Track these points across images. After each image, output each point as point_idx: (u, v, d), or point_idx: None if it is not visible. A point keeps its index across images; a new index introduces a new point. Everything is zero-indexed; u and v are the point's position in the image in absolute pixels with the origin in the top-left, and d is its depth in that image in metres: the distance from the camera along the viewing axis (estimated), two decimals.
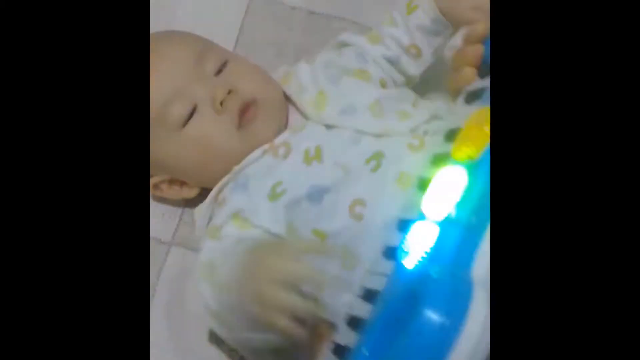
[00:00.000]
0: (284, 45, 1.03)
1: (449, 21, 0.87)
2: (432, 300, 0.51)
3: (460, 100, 0.62)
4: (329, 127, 0.85)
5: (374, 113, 0.85)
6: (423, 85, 0.95)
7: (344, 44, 0.92)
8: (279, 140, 0.86)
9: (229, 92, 0.84)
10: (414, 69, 0.91)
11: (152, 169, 0.88)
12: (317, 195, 0.81)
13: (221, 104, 0.84)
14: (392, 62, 0.91)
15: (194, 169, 0.88)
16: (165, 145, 0.85)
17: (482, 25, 0.61)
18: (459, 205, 0.54)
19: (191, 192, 0.90)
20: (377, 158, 0.82)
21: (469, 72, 0.62)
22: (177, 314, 0.87)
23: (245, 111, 0.85)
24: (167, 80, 0.84)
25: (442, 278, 0.52)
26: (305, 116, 0.87)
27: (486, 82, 0.59)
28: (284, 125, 0.88)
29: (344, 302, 0.79)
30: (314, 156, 0.84)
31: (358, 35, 0.91)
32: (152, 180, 0.90)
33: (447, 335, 0.50)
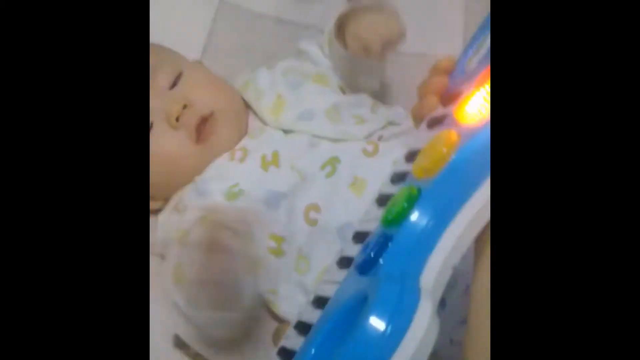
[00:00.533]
0: (252, 52, 1.03)
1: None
2: (377, 307, 0.52)
3: (423, 125, 0.64)
4: (286, 132, 0.86)
5: (331, 118, 0.86)
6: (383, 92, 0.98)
7: (303, 51, 0.93)
8: (237, 146, 0.86)
9: (185, 106, 0.83)
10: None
11: None
12: (274, 200, 0.82)
13: (177, 119, 0.83)
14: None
15: (156, 183, 0.85)
16: None
17: (448, 60, 0.64)
18: (414, 217, 0.55)
19: (156, 205, 0.90)
20: (332, 163, 0.83)
21: (433, 100, 0.64)
22: None
23: (203, 126, 0.84)
24: None
25: (390, 286, 0.53)
26: (263, 122, 0.88)
27: (449, 110, 0.61)
28: (244, 134, 0.88)
29: (295, 304, 0.82)
30: (270, 161, 0.84)
31: (317, 39, 0.92)
32: None
33: (389, 342, 0.51)
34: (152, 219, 0.91)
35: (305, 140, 0.85)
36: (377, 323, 0.51)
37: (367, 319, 0.51)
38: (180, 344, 0.86)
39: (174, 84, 0.86)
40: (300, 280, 0.82)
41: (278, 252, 0.82)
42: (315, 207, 0.81)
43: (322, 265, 0.81)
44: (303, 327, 0.60)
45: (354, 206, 0.80)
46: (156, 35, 0.94)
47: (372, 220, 0.61)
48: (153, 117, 0.84)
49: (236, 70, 1.00)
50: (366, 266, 0.57)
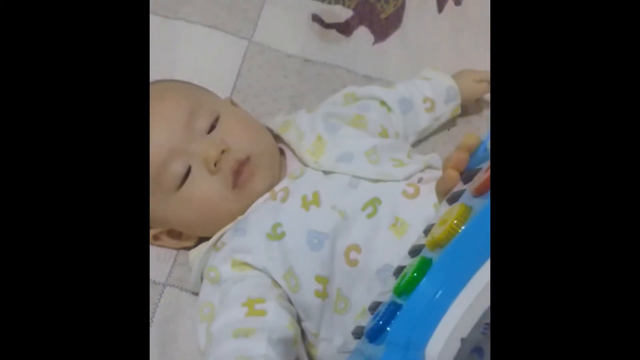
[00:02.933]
0: (279, 91, 1.05)
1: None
2: None
3: (444, 202, 0.67)
4: (326, 173, 0.87)
5: (370, 159, 0.87)
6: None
7: (353, 97, 0.95)
8: (278, 187, 0.87)
9: (222, 151, 0.84)
10: (422, 120, 0.97)
11: (151, 222, 0.89)
12: (317, 242, 0.82)
13: (215, 164, 0.84)
14: (406, 105, 0.96)
15: (192, 225, 0.90)
16: (163, 203, 0.86)
17: (473, 138, 0.67)
18: (424, 287, 0.58)
19: (189, 242, 0.92)
20: (373, 204, 0.84)
21: (453, 174, 0.66)
22: (171, 354, 0.88)
23: (240, 171, 0.86)
24: (162, 141, 0.84)
25: (393, 355, 0.55)
26: (303, 163, 0.89)
27: (467, 186, 0.63)
28: (278, 176, 0.90)
29: (333, 347, 0.83)
30: (311, 201, 0.85)
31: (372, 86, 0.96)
32: (152, 232, 0.91)
33: None
34: (183, 254, 0.94)
35: (346, 181, 0.86)
36: None
37: None
38: None
39: (211, 128, 0.87)
40: (338, 321, 0.83)
41: (324, 295, 0.83)
42: (356, 248, 0.82)
43: (361, 306, 0.82)
44: None
45: (394, 248, 0.81)
46: (186, 74, 0.97)
47: (388, 292, 0.63)
48: (191, 161, 0.85)
49: (264, 109, 1.03)
50: (374, 334, 0.59)
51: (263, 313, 0.80)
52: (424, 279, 0.57)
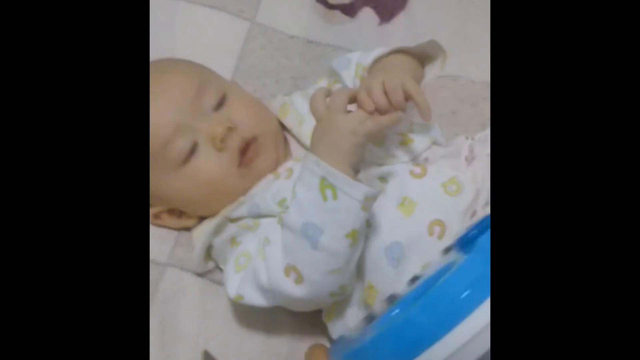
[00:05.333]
0: (281, 73, 1.04)
1: None
2: (457, 273, 0.57)
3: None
4: None
5: (375, 141, 0.86)
6: None
7: (335, 72, 0.93)
8: (282, 168, 0.88)
9: (229, 129, 0.85)
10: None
11: (152, 200, 0.89)
12: None
13: (222, 142, 0.84)
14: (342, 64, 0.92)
15: (195, 203, 0.89)
16: (166, 180, 0.86)
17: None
18: None
19: (190, 221, 0.92)
20: (379, 182, 0.84)
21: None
22: (172, 334, 0.88)
23: (246, 150, 0.86)
24: (168, 117, 0.84)
25: (476, 257, 0.57)
26: (305, 147, 0.88)
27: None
28: (283, 157, 0.90)
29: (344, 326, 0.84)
30: None
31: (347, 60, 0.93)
32: (153, 211, 0.91)
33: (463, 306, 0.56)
34: (184, 234, 0.94)
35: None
36: (453, 285, 0.56)
37: (445, 281, 0.55)
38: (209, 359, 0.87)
39: (218, 106, 0.87)
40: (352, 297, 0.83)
41: None
42: (366, 223, 0.81)
43: (367, 280, 0.82)
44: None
45: (402, 226, 0.81)
46: (187, 55, 0.96)
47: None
48: (197, 137, 0.85)
49: (266, 90, 1.02)
50: (464, 243, 0.58)
51: None
52: None
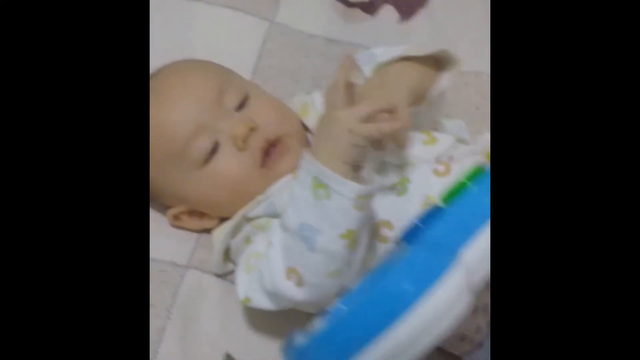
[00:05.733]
0: (301, 72, 1.04)
1: None
2: (401, 267, 0.53)
3: None
4: None
5: (397, 143, 0.84)
6: None
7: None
8: None
9: (251, 129, 0.84)
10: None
11: (172, 201, 0.89)
12: None
13: (243, 141, 0.84)
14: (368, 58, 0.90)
15: (215, 204, 0.88)
16: (186, 179, 0.86)
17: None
18: (472, 194, 0.57)
19: (211, 223, 0.91)
20: (402, 183, 0.82)
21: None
22: (193, 337, 0.87)
23: (270, 151, 0.85)
24: (189, 116, 0.84)
25: (418, 250, 0.53)
26: None
27: None
28: None
29: None
30: None
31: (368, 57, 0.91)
32: (172, 212, 0.90)
33: (406, 297, 0.52)
34: (204, 236, 0.93)
35: (372, 166, 0.83)
36: (395, 279, 0.53)
37: (386, 275, 0.52)
38: None
39: (240, 106, 0.87)
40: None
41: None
42: (387, 224, 0.81)
43: None
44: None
45: None
46: (207, 56, 0.96)
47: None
48: (219, 137, 0.85)
49: (286, 90, 1.02)
50: (410, 234, 0.57)
51: None
52: (475, 187, 0.55)
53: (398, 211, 0.81)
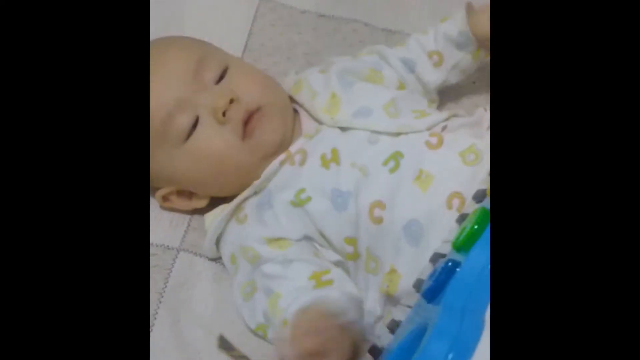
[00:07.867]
0: (293, 49, 1.02)
1: (474, 36, 0.87)
2: (439, 335, 0.51)
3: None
4: (343, 129, 0.84)
5: (389, 112, 0.84)
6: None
7: (383, 56, 0.91)
8: (294, 148, 0.85)
9: (231, 101, 0.82)
10: (432, 76, 0.90)
11: (159, 182, 0.87)
12: (341, 201, 0.80)
13: (224, 114, 0.82)
14: (409, 65, 0.90)
15: (202, 181, 0.87)
16: (170, 158, 0.84)
17: None
18: (484, 244, 0.54)
19: (201, 202, 0.89)
20: (395, 158, 0.81)
21: None
22: (186, 320, 0.86)
23: (249, 120, 0.83)
24: (167, 92, 0.82)
25: (450, 317, 0.52)
26: (318, 121, 0.86)
27: None
28: (292, 130, 0.87)
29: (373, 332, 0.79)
30: (330, 159, 0.82)
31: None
32: (161, 193, 0.89)
33: None
34: (196, 218, 0.91)
35: (364, 137, 0.83)
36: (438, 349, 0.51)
37: (427, 345, 0.50)
38: (225, 345, 0.85)
39: (219, 79, 0.85)
40: (372, 281, 0.81)
41: (355, 256, 0.81)
42: (380, 204, 0.79)
43: (389, 264, 0.79)
44: (375, 351, 0.61)
45: (420, 202, 0.79)
46: (196, 33, 0.94)
47: (449, 241, 0.60)
48: (199, 111, 0.83)
49: (278, 67, 1.00)
50: (431, 294, 0.56)
51: (330, 282, 0.79)
52: (485, 233, 0.54)
53: (391, 190, 0.79)
